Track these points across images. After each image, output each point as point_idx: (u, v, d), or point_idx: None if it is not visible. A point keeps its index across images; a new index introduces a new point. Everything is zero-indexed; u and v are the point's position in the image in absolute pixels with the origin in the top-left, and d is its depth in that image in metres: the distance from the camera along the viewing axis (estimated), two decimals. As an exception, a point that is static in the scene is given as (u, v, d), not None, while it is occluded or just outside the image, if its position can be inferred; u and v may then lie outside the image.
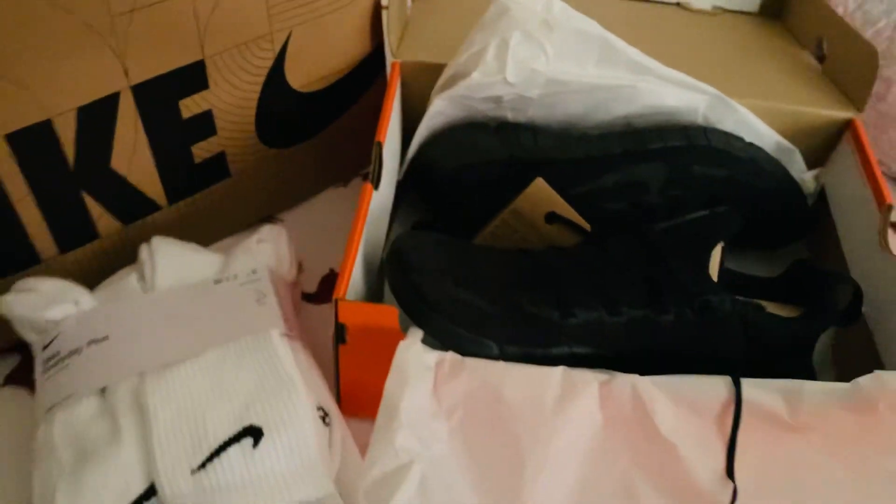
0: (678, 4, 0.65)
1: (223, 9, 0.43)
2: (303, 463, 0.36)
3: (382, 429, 0.35)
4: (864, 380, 0.37)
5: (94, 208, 0.46)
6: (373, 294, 0.46)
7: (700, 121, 0.50)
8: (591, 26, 0.48)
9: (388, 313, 0.38)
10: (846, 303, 0.43)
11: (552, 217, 0.48)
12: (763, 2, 0.66)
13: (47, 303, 0.42)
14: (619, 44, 0.48)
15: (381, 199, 0.46)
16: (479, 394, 0.37)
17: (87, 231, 0.46)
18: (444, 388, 0.38)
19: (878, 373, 0.36)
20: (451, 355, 0.38)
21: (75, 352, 0.40)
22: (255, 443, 0.35)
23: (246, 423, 0.36)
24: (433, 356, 0.38)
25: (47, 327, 0.42)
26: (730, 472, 0.35)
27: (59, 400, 0.38)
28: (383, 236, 0.49)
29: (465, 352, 0.38)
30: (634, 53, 0.48)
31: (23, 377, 0.46)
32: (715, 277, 0.41)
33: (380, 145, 0.45)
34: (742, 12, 0.66)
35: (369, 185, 0.43)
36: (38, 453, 0.37)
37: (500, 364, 0.38)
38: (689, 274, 0.40)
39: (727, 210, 0.41)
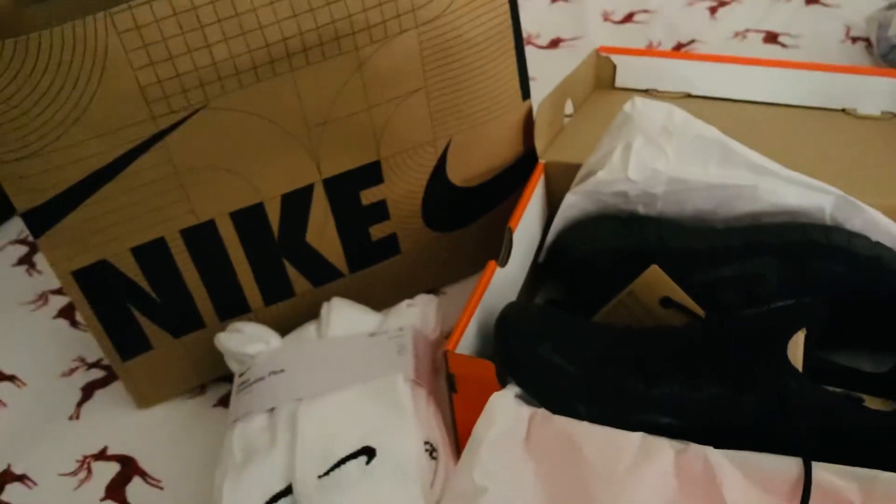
0: (843, 111, 0.67)
1: (394, 122, 0.55)
2: (404, 482, 0.44)
3: (465, 462, 0.42)
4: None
5: (292, 272, 0.58)
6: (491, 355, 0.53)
7: (827, 221, 0.52)
8: (710, 131, 0.52)
9: (487, 366, 0.45)
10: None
11: (667, 302, 0.52)
12: (941, 104, 0.65)
13: (248, 341, 0.55)
14: (738, 147, 0.52)
15: (508, 274, 0.53)
16: (562, 448, 0.43)
17: (286, 290, 0.59)
18: (534, 439, 0.44)
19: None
20: (542, 411, 0.44)
21: (260, 379, 0.52)
22: (369, 460, 0.44)
23: (365, 444, 0.45)
24: (527, 410, 0.44)
25: (245, 360, 0.54)
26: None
27: (241, 415, 0.50)
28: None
29: (554, 410, 0.44)
30: (754, 156, 0.52)
31: (229, 400, 0.60)
32: (799, 365, 0.43)
33: (510, 230, 0.53)
34: (916, 115, 0.65)
35: (493, 263, 0.51)
36: (222, 453, 0.49)
37: (585, 424, 0.43)
38: (768, 359, 0.42)
39: (812, 301, 0.43)
